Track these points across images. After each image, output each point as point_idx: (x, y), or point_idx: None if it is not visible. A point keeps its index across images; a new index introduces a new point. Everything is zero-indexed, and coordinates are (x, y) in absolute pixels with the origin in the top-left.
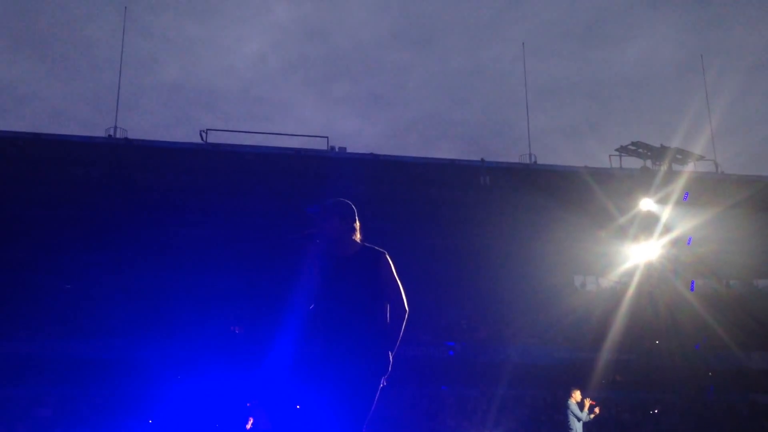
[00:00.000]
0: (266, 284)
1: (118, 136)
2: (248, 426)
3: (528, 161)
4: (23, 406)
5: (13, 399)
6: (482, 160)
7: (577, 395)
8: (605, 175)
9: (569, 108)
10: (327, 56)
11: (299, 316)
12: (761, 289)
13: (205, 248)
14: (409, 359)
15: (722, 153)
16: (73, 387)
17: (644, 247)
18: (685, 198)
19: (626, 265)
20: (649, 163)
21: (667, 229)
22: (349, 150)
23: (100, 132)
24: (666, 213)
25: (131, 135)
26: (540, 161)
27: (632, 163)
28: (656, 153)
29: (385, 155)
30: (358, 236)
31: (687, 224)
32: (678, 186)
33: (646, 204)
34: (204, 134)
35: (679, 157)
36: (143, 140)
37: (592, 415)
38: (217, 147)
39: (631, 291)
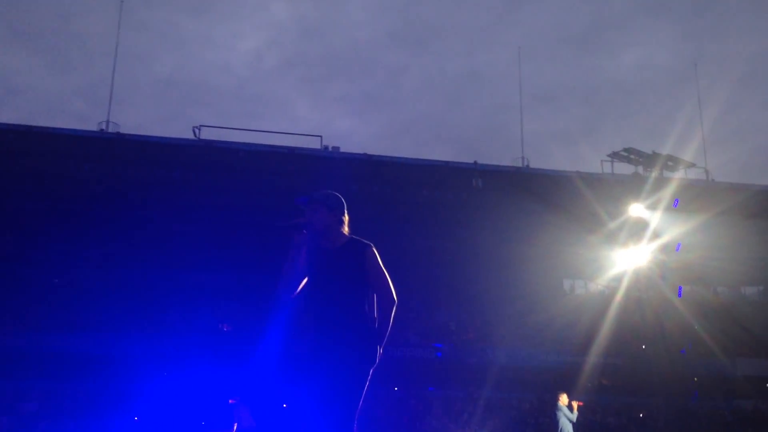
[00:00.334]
0: (256, 282)
1: (110, 130)
2: (234, 429)
3: (521, 165)
4: (8, 400)
5: None
6: (475, 163)
7: (564, 399)
8: (596, 181)
9: (563, 113)
10: (323, 55)
11: (286, 310)
12: (748, 296)
13: (196, 245)
14: (397, 360)
15: (713, 161)
16: (60, 381)
17: (633, 253)
18: (675, 204)
19: (615, 270)
20: (640, 169)
21: (656, 235)
22: (342, 150)
23: (92, 126)
24: (656, 219)
25: (124, 129)
26: (533, 165)
27: (624, 169)
28: (648, 159)
29: (378, 156)
30: (346, 229)
31: (676, 231)
32: (668, 192)
33: (636, 210)
34: (197, 130)
35: (670, 163)
36: (136, 135)
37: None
38: (210, 143)
39: (619, 296)
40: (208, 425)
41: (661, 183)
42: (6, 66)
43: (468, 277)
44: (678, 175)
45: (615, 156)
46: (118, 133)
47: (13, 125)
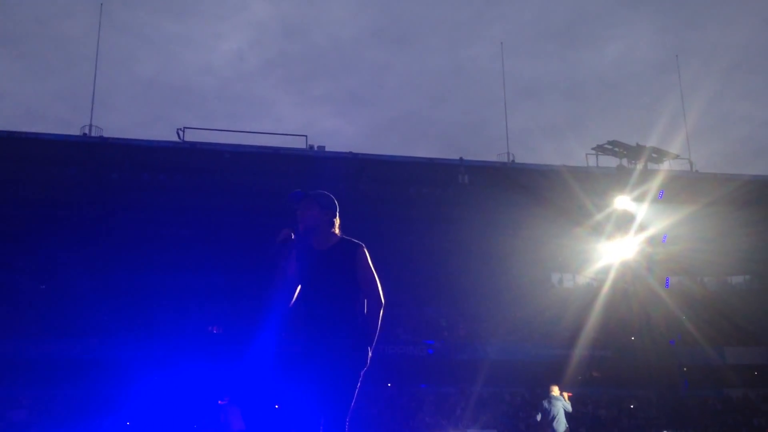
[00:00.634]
0: (245, 283)
1: (93, 134)
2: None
3: (506, 160)
4: None
5: None
6: (461, 159)
7: (555, 390)
8: (582, 174)
9: (547, 107)
10: (306, 54)
11: (277, 311)
12: (734, 286)
13: (183, 247)
14: (389, 358)
15: (697, 152)
16: (49, 388)
17: (620, 245)
18: (660, 196)
19: (603, 263)
20: (625, 161)
21: (642, 227)
22: (328, 149)
23: (75, 130)
24: (641, 211)
25: (107, 133)
26: (518, 160)
27: (609, 161)
28: (632, 152)
29: (364, 154)
30: (337, 230)
31: (662, 222)
32: (653, 184)
33: (622, 202)
34: (181, 133)
35: (654, 156)
36: (119, 138)
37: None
38: (194, 145)
39: (607, 288)
40: (200, 428)
41: (645, 175)
42: None
43: (457, 273)
44: (662, 167)
45: (600, 149)
46: (101, 137)
47: None
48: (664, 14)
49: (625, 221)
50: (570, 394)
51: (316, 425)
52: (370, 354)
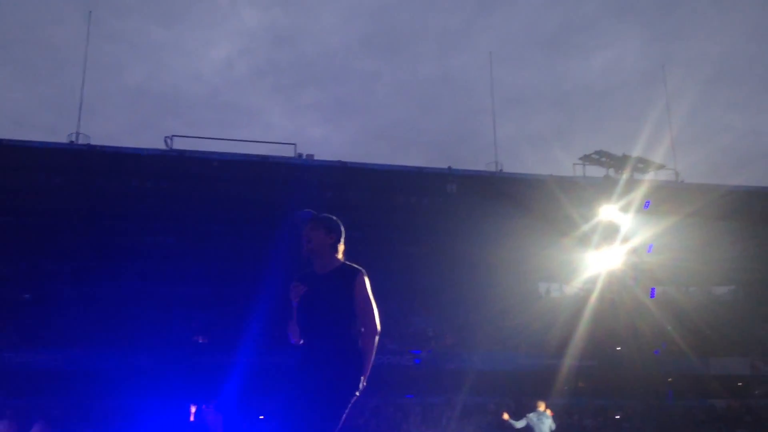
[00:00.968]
0: (231, 292)
1: (80, 142)
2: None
3: (494, 169)
4: None
5: None
6: (449, 168)
7: (542, 406)
8: (569, 184)
9: (535, 117)
10: (295, 63)
11: (266, 327)
12: (719, 296)
13: (170, 256)
14: (375, 368)
15: (682, 162)
16: (31, 399)
17: (607, 255)
18: (646, 206)
19: (590, 273)
20: (611, 171)
21: (628, 237)
22: (317, 157)
23: (62, 138)
24: (628, 221)
25: (94, 141)
26: (506, 169)
27: (596, 171)
28: (618, 162)
29: (353, 162)
30: (340, 255)
31: (648, 232)
32: (639, 194)
33: (609, 212)
34: (169, 140)
35: (640, 165)
36: (106, 146)
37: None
38: (182, 153)
39: (593, 298)
40: None
41: (632, 185)
42: None
43: (444, 282)
44: (648, 177)
45: (586, 159)
46: (88, 145)
47: None
48: (651, 25)
49: (611, 231)
50: (552, 414)
51: None
52: (363, 383)
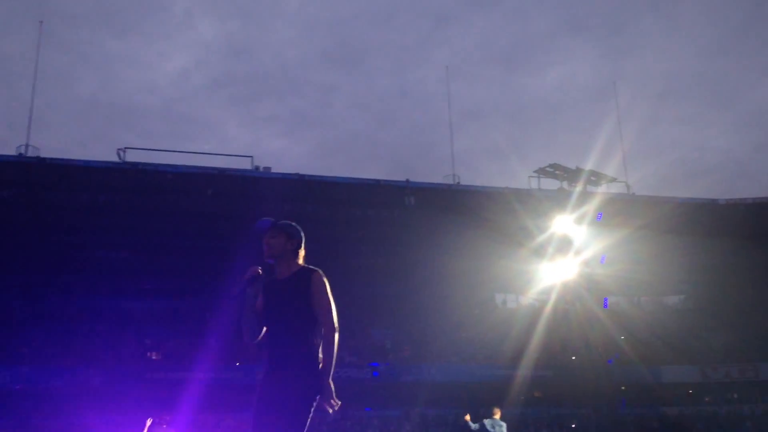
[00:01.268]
0: (186, 307)
1: (29, 154)
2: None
3: (452, 182)
4: None
5: None
6: (407, 181)
7: (498, 413)
8: (525, 196)
9: (492, 130)
10: (252, 75)
11: (222, 342)
12: (669, 306)
13: (123, 270)
14: (333, 381)
15: (633, 175)
16: None
17: (561, 266)
18: (598, 218)
19: (544, 284)
20: (565, 184)
21: (582, 249)
22: (274, 170)
23: (10, 150)
24: (581, 233)
25: (44, 153)
26: (463, 182)
27: (550, 184)
28: (572, 175)
29: (310, 175)
30: (300, 260)
31: (600, 244)
32: (592, 207)
33: (563, 224)
34: (122, 153)
35: (593, 178)
36: (57, 159)
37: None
38: (135, 166)
39: (548, 308)
40: None
41: (584, 197)
42: None
43: (402, 294)
44: (601, 190)
45: (541, 171)
46: (38, 157)
47: None
48: (603, 42)
49: (565, 243)
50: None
51: None
52: (330, 384)
